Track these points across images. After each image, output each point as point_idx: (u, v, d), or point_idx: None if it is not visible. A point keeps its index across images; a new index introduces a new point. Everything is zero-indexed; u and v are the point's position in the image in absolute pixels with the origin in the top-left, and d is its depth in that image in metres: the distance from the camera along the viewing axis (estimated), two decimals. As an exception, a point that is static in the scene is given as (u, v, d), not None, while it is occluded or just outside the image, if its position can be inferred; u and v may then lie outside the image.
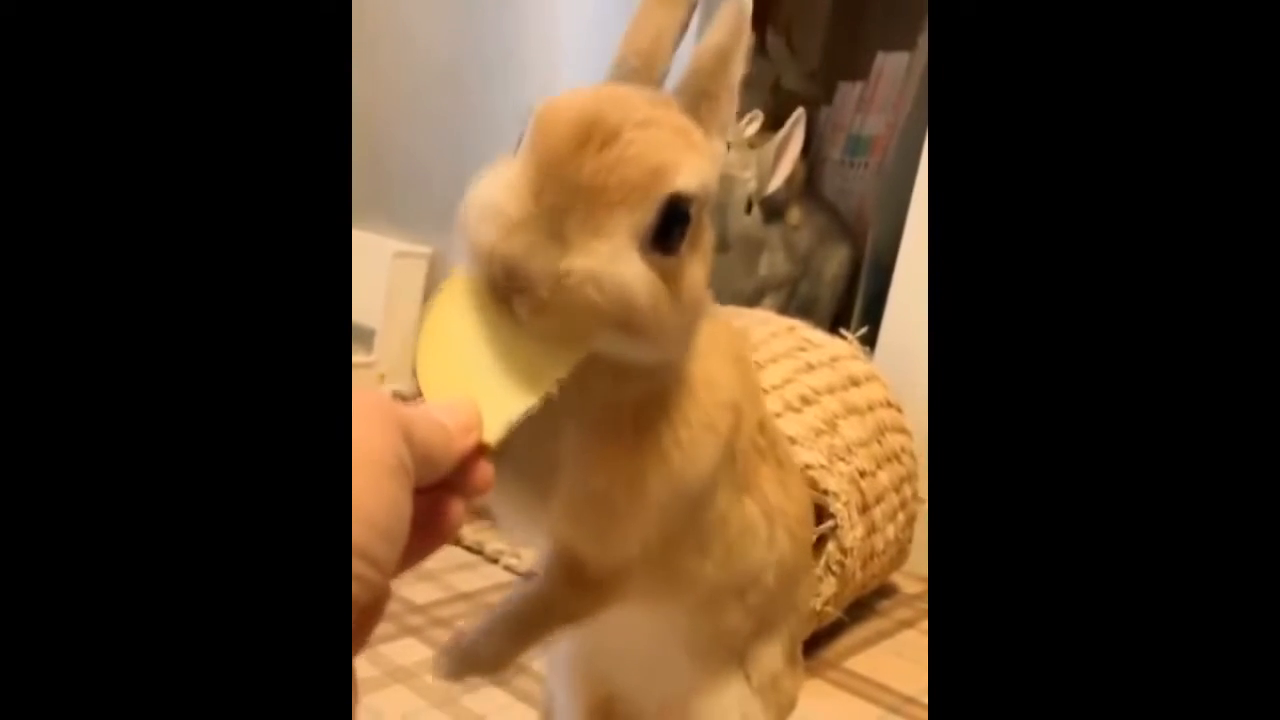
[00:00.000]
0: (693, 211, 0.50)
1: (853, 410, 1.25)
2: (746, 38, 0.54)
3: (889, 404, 1.34)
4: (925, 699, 1.11)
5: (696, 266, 0.52)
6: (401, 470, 0.39)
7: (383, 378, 1.96)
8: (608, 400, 0.54)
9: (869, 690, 1.14)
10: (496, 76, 1.91)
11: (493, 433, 0.46)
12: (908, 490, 1.31)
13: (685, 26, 0.58)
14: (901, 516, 1.29)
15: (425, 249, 1.99)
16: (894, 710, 1.10)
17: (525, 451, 0.53)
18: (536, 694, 0.96)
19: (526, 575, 1.10)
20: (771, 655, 0.70)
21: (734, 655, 0.68)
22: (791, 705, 0.74)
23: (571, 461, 0.54)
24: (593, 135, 0.49)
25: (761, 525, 0.64)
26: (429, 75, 2.00)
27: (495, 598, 1.19)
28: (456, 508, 0.45)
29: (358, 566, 0.36)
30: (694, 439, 0.56)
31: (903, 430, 1.34)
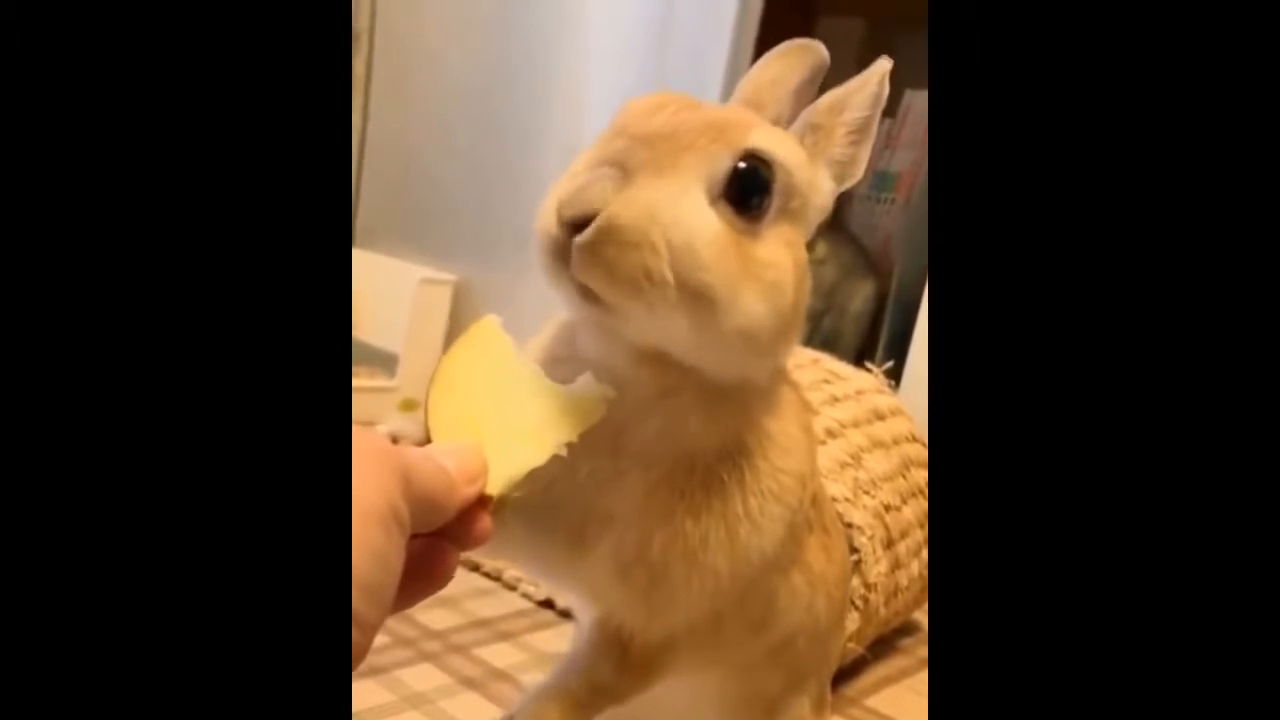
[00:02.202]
0: (776, 183, 0.48)
1: (878, 444, 1.23)
2: (876, 90, 0.53)
3: (914, 439, 1.32)
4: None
5: (782, 250, 0.49)
6: (394, 521, 0.37)
7: (410, 404, 1.97)
8: (685, 449, 0.51)
9: (891, 730, 1.11)
10: (524, 108, 1.93)
11: (496, 485, 0.45)
12: (932, 527, 1.30)
13: (809, 85, 0.57)
14: (925, 553, 1.27)
15: (450, 276, 2.00)
16: (917, 751, 1.07)
17: (573, 496, 0.52)
18: None
19: (562, 614, 1.08)
20: (800, 705, 0.69)
21: (764, 710, 0.67)
22: (818, 748, 0.73)
23: (629, 514, 0.52)
24: (668, 103, 0.48)
25: (804, 593, 0.62)
26: (458, 106, 2.02)
27: (513, 625, 1.17)
28: (452, 557, 0.44)
29: None
30: (763, 509, 0.53)
31: (925, 465, 1.32)
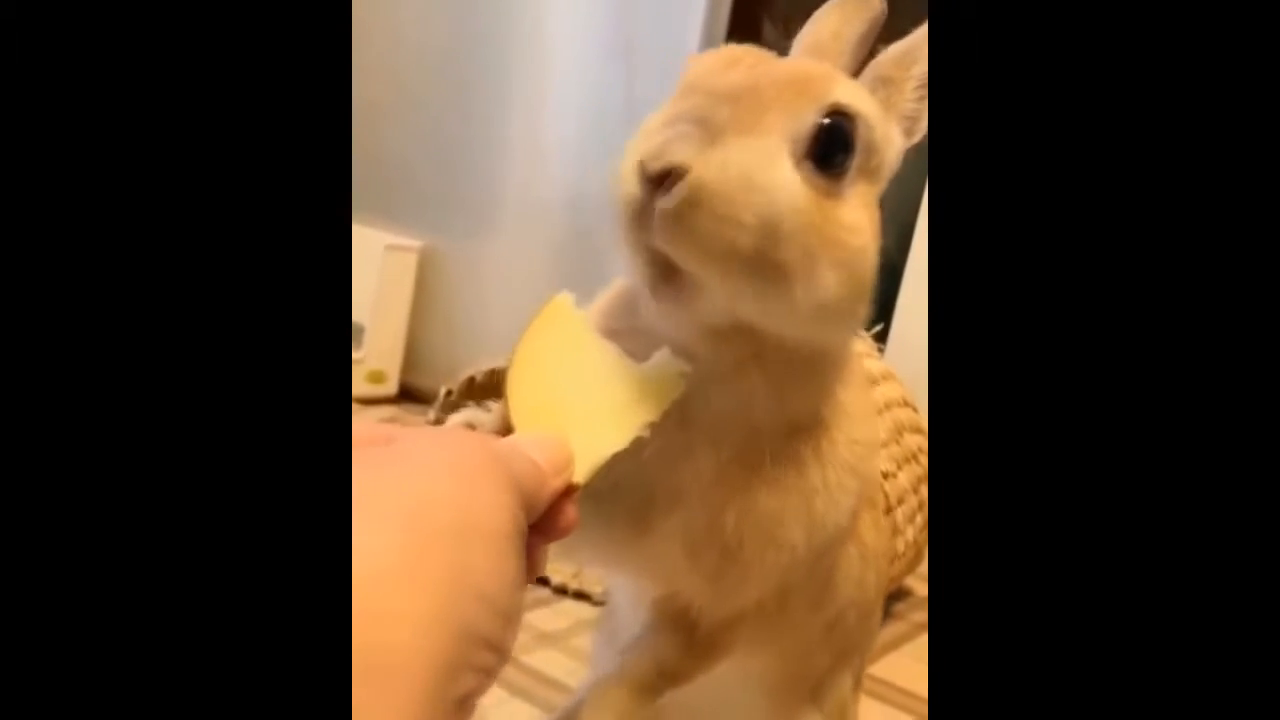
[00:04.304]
0: (858, 138, 0.46)
1: (872, 410, 1.23)
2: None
3: (905, 403, 1.32)
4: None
5: (862, 211, 0.47)
6: (518, 535, 0.35)
7: (378, 375, 1.92)
8: (759, 423, 0.49)
9: (893, 695, 1.12)
10: (488, 73, 1.87)
11: (581, 473, 0.43)
12: (925, 492, 1.30)
13: (866, 38, 0.54)
14: (920, 518, 1.27)
15: (416, 242, 1.95)
16: (923, 718, 1.08)
17: (637, 474, 0.49)
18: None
19: (557, 590, 1.07)
20: (843, 685, 0.68)
21: (810, 690, 0.66)
22: (852, 726, 0.72)
23: (698, 491, 0.50)
24: (743, 58, 0.46)
25: (857, 568, 0.61)
26: (421, 72, 1.95)
27: (532, 615, 1.14)
28: (541, 552, 0.42)
29: (484, 658, 0.32)
30: (840, 482, 0.51)
31: (920, 430, 1.32)
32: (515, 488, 0.36)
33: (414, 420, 1.84)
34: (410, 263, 1.95)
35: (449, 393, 1.24)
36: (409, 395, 1.98)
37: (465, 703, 0.32)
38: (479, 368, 1.21)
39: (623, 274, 0.55)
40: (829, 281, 0.45)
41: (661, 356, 0.47)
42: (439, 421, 1.22)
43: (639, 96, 1.70)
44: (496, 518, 0.34)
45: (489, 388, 1.20)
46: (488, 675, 0.33)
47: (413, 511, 0.32)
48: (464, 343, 1.90)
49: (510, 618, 0.34)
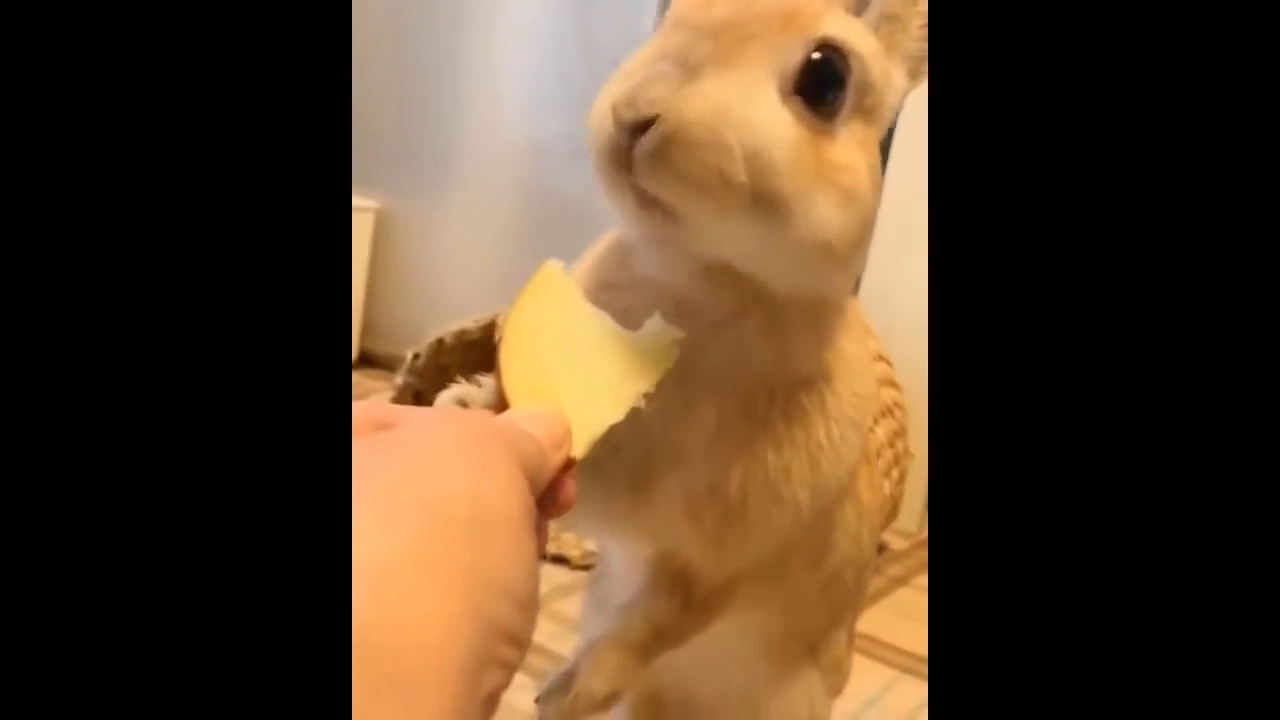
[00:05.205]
0: (851, 74, 0.43)
1: (847, 364, 1.21)
2: None
3: (879, 357, 1.30)
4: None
5: (857, 152, 0.44)
6: (530, 518, 0.33)
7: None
8: (759, 375, 0.47)
9: (878, 650, 1.12)
10: (441, 30, 1.81)
11: (579, 447, 0.41)
12: (900, 445, 1.29)
13: None
14: (895, 472, 1.27)
15: (372, 203, 1.89)
16: (908, 670, 1.08)
17: (637, 433, 0.47)
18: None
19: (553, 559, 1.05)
20: (838, 641, 0.68)
21: (807, 648, 0.65)
22: (846, 680, 0.71)
23: (699, 448, 0.48)
24: None
25: (853, 525, 0.60)
26: (374, 30, 1.88)
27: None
28: (543, 528, 0.40)
29: (507, 652, 0.30)
30: (843, 437, 0.49)
31: (893, 384, 1.31)
32: (522, 468, 0.34)
33: (374, 386, 1.80)
34: (367, 224, 1.89)
35: (415, 356, 1.20)
36: (368, 361, 1.93)
37: (491, 700, 0.30)
38: (448, 329, 1.17)
39: (607, 228, 0.52)
40: (826, 219, 0.42)
41: (654, 325, 0.45)
42: (406, 387, 1.19)
43: (596, 48, 1.65)
44: (511, 503, 0.32)
45: (457, 350, 1.17)
46: (510, 671, 0.30)
47: (428, 503, 0.29)
48: (423, 306, 1.85)
49: (528, 608, 0.31)
